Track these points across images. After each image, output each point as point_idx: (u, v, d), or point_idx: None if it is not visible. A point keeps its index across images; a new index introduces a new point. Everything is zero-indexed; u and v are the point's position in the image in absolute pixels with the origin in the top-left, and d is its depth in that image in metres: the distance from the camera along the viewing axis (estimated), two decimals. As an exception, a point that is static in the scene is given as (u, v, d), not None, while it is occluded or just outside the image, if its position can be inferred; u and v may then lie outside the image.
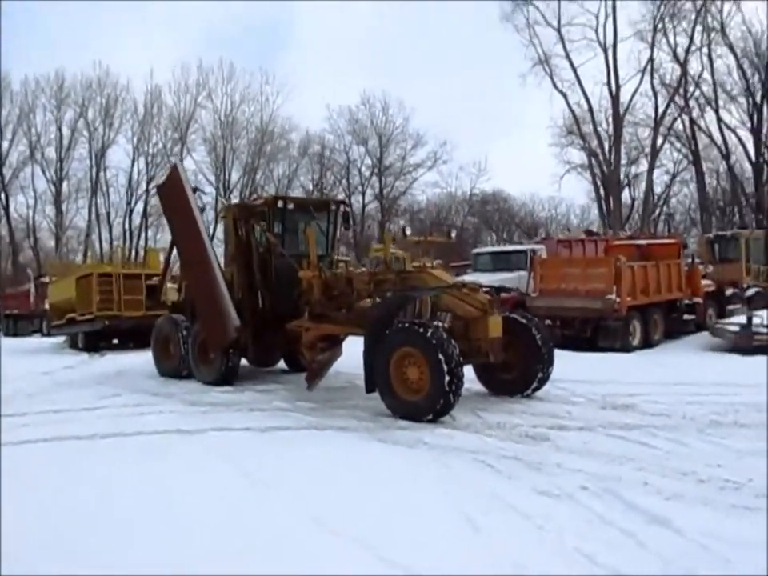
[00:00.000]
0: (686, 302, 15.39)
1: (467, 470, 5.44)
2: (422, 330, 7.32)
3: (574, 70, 34.49)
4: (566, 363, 9.92)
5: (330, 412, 8.08)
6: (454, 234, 10.19)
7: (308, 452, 6.14)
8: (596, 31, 34.18)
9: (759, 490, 4.67)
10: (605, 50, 33.99)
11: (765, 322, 12.19)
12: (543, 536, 3.98)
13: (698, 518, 4.16)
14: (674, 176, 43.35)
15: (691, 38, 33.19)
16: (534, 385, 8.39)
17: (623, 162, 37.44)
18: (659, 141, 35.38)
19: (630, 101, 34.55)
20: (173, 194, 10.45)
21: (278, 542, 4.00)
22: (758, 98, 33.33)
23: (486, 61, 65.14)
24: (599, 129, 36.34)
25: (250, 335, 10.18)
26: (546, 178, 74.17)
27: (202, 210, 11.25)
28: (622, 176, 37.29)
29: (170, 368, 11.18)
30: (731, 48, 33.23)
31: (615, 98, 34.13)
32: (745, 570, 3.46)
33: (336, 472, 5.43)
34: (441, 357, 7.04)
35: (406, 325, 7.64)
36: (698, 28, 32.79)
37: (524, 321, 8.47)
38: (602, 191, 36.93)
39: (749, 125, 34.28)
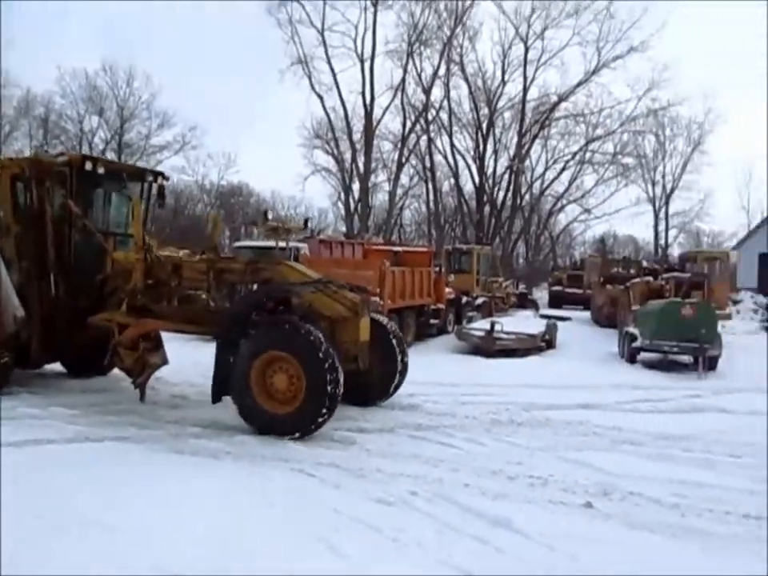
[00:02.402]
0: (433, 307, 16.77)
1: (291, 481, 5.07)
2: (299, 331, 6.37)
3: (334, 75, 35.40)
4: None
5: (98, 419, 6.96)
6: (310, 223, 9.44)
7: (98, 473, 5.11)
8: (354, 41, 35.55)
9: (562, 484, 5.16)
10: (362, 62, 35.50)
11: (504, 329, 13.84)
12: (404, 550, 3.84)
13: (530, 516, 4.41)
14: (408, 189, 47.46)
15: (438, 67, 36.57)
16: (390, 392, 7.95)
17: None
18: (403, 156, 38.20)
19: (383, 115, 36.73)
20: None
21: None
22: (485, 129, 38.08)
23: (250, 52, 63.80)
24: (347, 136, 37.87)
25: (36, 330, 8.11)
26: (291, 177, 75.24)
27: None
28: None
29: None
30: (467, 81, 37.43)
31: (369, 110, 35.85)
32: (587, 564, 3.74)
33: (147, 497, 4.60)
34: (322, 364, 6.19)
35: (278, 324, 6.64)
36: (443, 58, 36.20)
37: (382, 322, 7.95)
38: (354, 195, 38.48)
39: (472, 153, 39.05)
